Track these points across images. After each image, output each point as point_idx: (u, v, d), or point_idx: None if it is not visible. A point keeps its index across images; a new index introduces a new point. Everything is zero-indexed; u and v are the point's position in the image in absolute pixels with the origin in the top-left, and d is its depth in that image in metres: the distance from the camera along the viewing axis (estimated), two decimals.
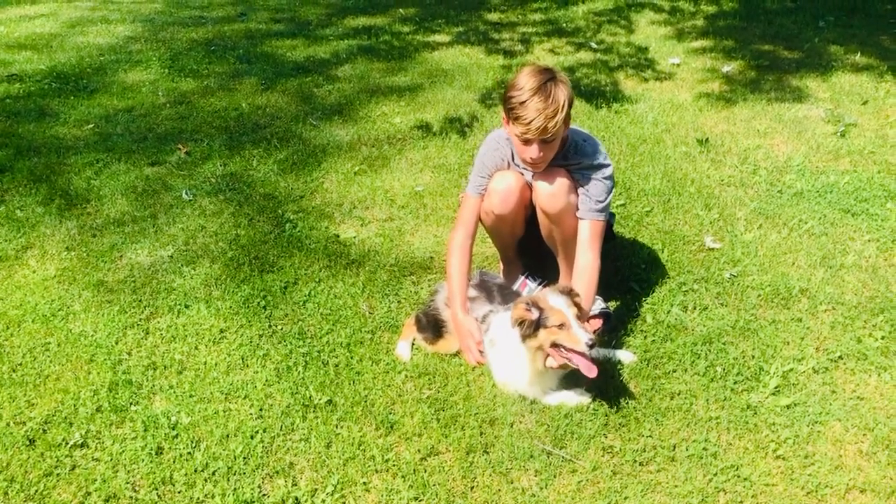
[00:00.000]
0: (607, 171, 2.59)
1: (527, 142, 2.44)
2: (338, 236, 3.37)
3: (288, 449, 2.23)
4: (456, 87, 5.04)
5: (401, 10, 6.98)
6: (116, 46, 5.79)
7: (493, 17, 6.74)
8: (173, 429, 2.29)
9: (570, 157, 2.59)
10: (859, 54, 5.37)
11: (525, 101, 2.37)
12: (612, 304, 2.85)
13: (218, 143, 4.22)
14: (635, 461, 2.19)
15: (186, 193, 3.69)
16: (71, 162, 3.96)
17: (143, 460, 2.19)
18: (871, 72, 5.08)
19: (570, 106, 2.43)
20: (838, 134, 4.21)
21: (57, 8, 7.02)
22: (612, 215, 2.79)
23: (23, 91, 4.84)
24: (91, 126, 4.38)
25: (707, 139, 4.17)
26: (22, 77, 5.05)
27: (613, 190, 2.60)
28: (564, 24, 6.40)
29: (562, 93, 2.38)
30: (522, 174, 2.66)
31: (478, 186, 2.70)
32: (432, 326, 2.66)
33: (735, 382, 2.46)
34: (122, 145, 4.15)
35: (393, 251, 3.25)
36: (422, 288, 2.99)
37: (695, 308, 2.83)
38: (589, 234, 2.56)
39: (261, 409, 2.37)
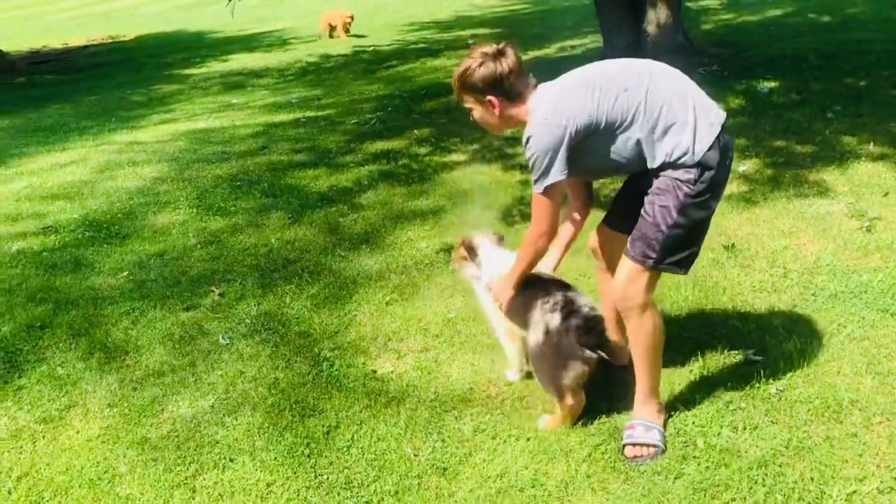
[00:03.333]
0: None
1: None
2: (375, 372, 3.37)
3: None
4: (477, 206, 5.14)
5: (415, 130, 7.19)
6: (144, 189, 5.98)
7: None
8: None
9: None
10: (872, 144, 5.45)
11: None
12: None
13: (250, 282, 4.29)
14: None
15: (223, 338, 3.73)
16: (108, 313, 4.03)
17: None
18: (886, 161, 5.14)
19: (472, 89, 2.69)
20: (864, 229, 4.22)
21: (86, 153, 7.29)
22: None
23: (58, 242, 4.98)
24: (125, 274, 4.48)
25: (733, 244, 4.19)
26: (57, 228, 5.20)
27: (533, 160, 2.58)
28: None
29: (462, 68, 2.69)
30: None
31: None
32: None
33: None
34: (157, 291, 4.24)
35: (431, 384, 3.24)
36: (464, 424, 2.97)
37: (745, 428, 2.77)
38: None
39: None
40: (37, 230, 5.21)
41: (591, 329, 2.71)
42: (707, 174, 2.54)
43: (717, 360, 3.19)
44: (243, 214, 5.30)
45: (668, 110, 2.51)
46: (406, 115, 7.97)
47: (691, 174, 2.53)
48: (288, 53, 14.28)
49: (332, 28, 15.66)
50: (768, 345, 3.26)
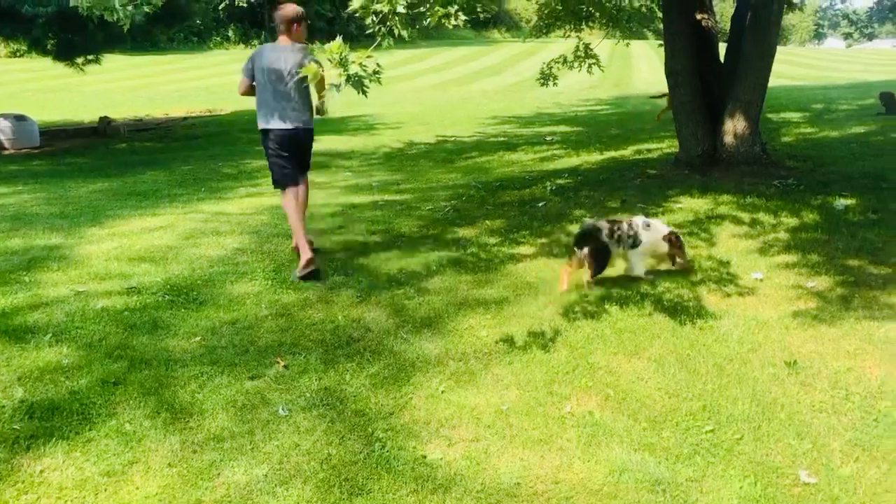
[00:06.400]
0: None
1: None
2: (425, 457, 3.43)
3: None
4: (539, 300, 5.22)
5: (487, 221, 7.39)
6: (225, 258, 6.28)
7: (574, 227, 7.03)
8: None
9: None
10: None
11: None
12: None
13: (314, 357, 4.45)
14: None
15: (283, 409, 3.86)
16: (178, 375, 4.23)
17: None
18: None
19: None
20: None
21: (174, 220, 7.72)
22: None
23: (140, 303, 5.26)
24: (198, 339, 4.70)
25: (795, 361, 4.15)
26: (140, 290, 5.50)
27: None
28: None
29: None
30: None
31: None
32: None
33: None
34: (226, 358, 4.43)
35: (479, 476, 3.28)
36: None
37: None
38: None
39: None
40: (121, 290, 5.52)
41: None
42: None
43: (770, 478, 3.15)
44: (315, 290, 5.51)
45: None
46: (480, 206, 8.20)
47: None
48: (373, 138, 14.90)
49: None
50: (824, 467, 3.20)
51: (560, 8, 10.79)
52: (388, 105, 21.20)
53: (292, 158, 6.02)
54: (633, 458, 3.37)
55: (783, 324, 4.68)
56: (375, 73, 3.78)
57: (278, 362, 4.38)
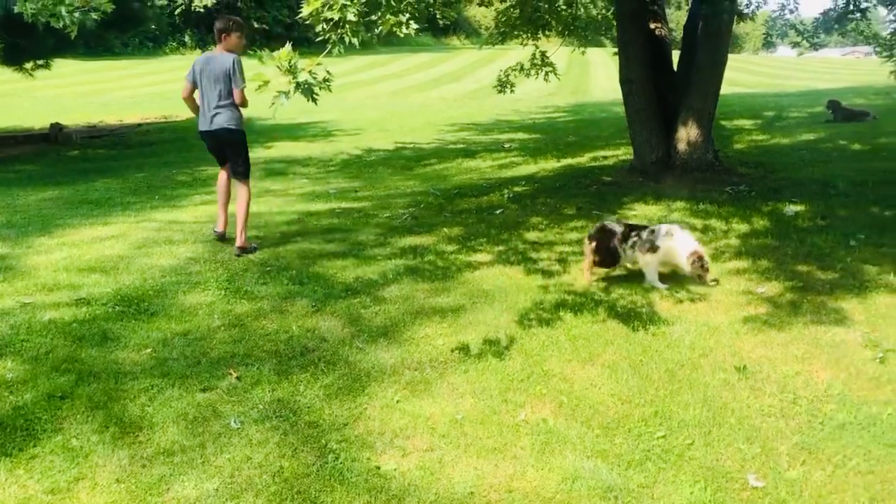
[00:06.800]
0: None
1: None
2: (378, 468, 3.41)
3: None
4: (496, 308, 5.23)
5: (445, 229, 7.39)
6: (178, 268, 6.19)
7: (532, 235, 7.09)
8: None
9: None
10: (892, 274, 5.49)
11: None
12: None
13: (267, 368, 4.40)
14: None
15: (234, 421, 3.81)
16: (128, 388, 4.15)
17: None
18: None
19: None
20: (878, 360, 4.23)
21: (126, 229, 7.58)
22: None
23: (89, 315, 5.15)
24: (149, 351, 4.62)
25: (745, 366, 4.22)
26: (89, 301, 5.39)
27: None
28: None
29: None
30: None
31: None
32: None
33: None
34: (177, 370, 4.35)
35: (433, 486, 3.27)
36: None
37: None
38: None
39: None
40: (70, 301, 5.40)
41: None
42: None
43: (720, 483, 3.19)
44: (269, 300, 5.45)
45: None
46: (438, 213, 8.20)
47: None
48: (331, 144, 14.82)
49: None
50: (771, 471, 3.25)
51: (517, 16, 10.86)
52: (346, 111, 21.12)
53: (218, 156, 6.95)
54: (585, 465, 3.39)
55: (734, 329, 4.76)
56: (325, 80, 3.76)
57: (231, 374, 4.33)
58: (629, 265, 5.75)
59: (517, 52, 12.08)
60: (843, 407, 3.77)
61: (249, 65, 4.78)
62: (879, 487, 3.12)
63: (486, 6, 12.98)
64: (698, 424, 3.67)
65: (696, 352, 4.45)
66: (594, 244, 5.57)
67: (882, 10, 6.26)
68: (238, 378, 4.28)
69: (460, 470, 3.40)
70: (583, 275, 5.70)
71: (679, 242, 5.44)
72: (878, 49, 7.08)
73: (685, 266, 5.39)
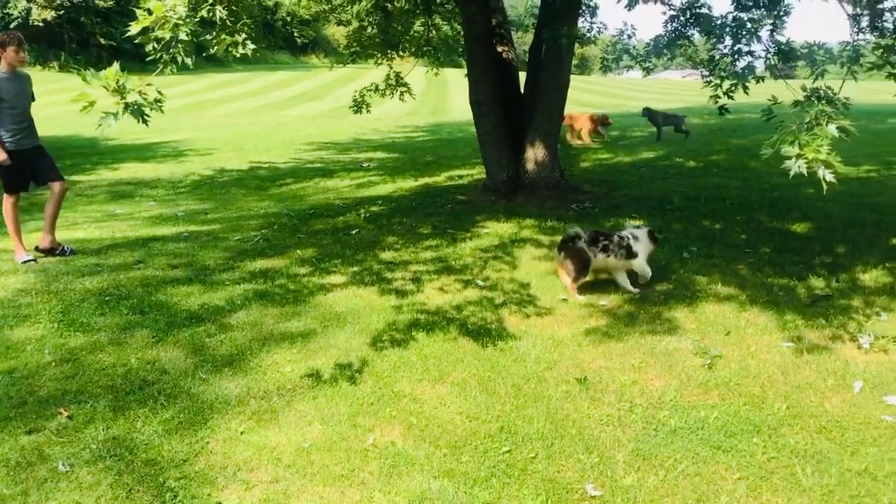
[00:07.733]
0: None
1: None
2: None
3: None
4: (348, 331, 5.18)
5: (298, 251, 7.26)
6: (5, 300, 5.75)
7: (387, 255, 7.08)
8: None
9: None
10: (720, 284, 5.88)
11: None
12: None
13: (102, 404, 4.14)
14: None
15: (63, 464, 3.56)
16: None
17: None
18: (732, 301, 5.54)
19: None
20: (706, 366, 4.50)
21: None
22: None
23: None
24: None
25: (586, 377, 4.38)
26: None
27: None
28: (453, 262, 6.77)
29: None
30: None
31: None
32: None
33: None
34: None
35: None
36: None
37: None
38: None
39: None
40: None
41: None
42: None
43: (560, 494, 3.28)
44: (106, 331, 5.16)
45: None
46: (291, 235, 8.06)
47: None
48: (182, 165, 14.30)
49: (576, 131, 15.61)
50: (608, 479, 3.38)
51: (369, 35, 10.91)
52: (200, 130, 20.46)
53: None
54: (433, 485, 3.40)
55: (576, 341, 4.93)
56: (157, 101, 3.61)
57: (61, 413, 4.05)
58: (596, 273, 6.01)
59: (377, 71, 12.14)
60: (675, 413, 3.98)
61: (74, 84, 4.52)
62: (706, 488, 3.31)
63: (346, 25, 12.97)
64: (541, 437, 3.76)
65: (541, 365, 4.58)
66: (564, 254, 5.82)
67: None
68: (69, 417, 4.01)
69: (305, 500, 3.32)
70: (567, 289, 5.88)
71: (643, 237, 5.99)
72: (703, 73, 7.56)
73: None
